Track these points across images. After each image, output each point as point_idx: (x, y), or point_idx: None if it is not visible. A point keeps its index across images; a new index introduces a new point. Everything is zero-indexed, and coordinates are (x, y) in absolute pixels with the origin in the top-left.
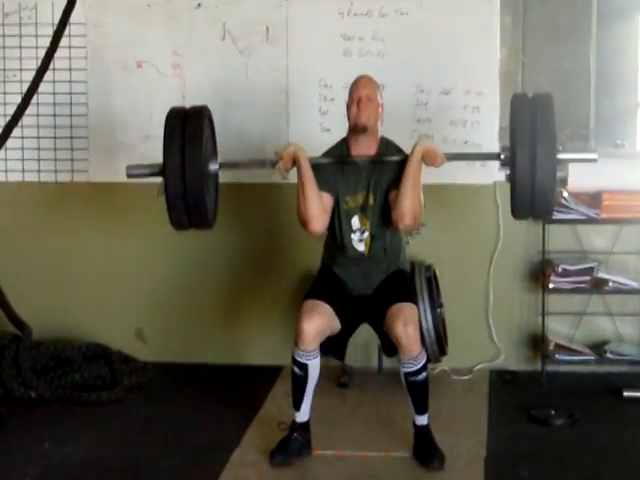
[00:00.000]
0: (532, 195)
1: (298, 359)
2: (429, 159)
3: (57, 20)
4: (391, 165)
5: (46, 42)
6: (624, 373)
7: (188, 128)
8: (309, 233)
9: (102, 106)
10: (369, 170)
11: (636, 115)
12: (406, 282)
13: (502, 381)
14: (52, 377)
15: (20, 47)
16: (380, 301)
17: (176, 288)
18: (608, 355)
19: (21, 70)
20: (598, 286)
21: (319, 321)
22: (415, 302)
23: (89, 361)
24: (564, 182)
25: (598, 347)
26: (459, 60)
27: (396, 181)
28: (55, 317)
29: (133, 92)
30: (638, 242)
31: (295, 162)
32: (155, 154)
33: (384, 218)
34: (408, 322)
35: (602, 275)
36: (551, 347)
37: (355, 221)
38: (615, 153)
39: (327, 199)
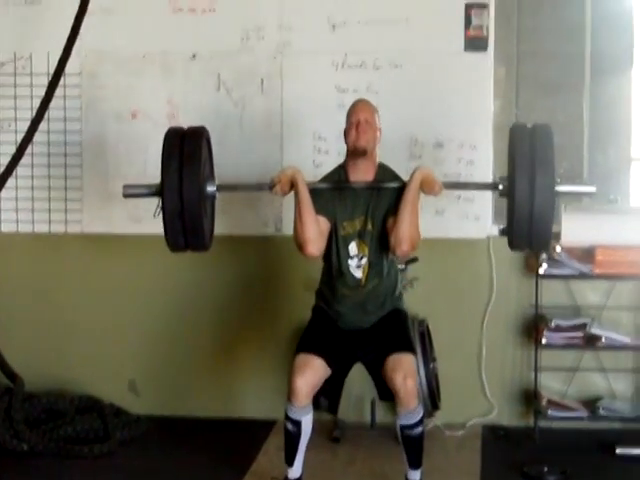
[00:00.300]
0: (530, 226)
1: (291, 415)
2: (427, 186)
3: (52, 70)
4: (389, 191)
5: (41, 92)
6: (617, 430)
7: (186, 148)
8: (305, 256)
9: (96, 156)
10: (367, 196)
11: (629, 170)
12: (404, 324)
13: (495, 437)
14: (44, 430)
15: (15, 97)
16: (378, 344)
17: (169, 340)
18: (601, 411)
19: (16, 120)
20: (591, 342)
21: (311, 377)
22: (414, 349)
23: (82, 414)
24: (557, 237)
25: (591, 403)
26: (453, 113)
27: (394, 207)
28: (48, 369)
29: (128, 142)
30: (631, 298)
31: (293, 185)
32: (149, 205)
33: (382, 245)
34: (408, 375)
35: (595, 331)
36: (544, 403)
37: (353, 247)
38: (608, 208)
39: (324, 223)
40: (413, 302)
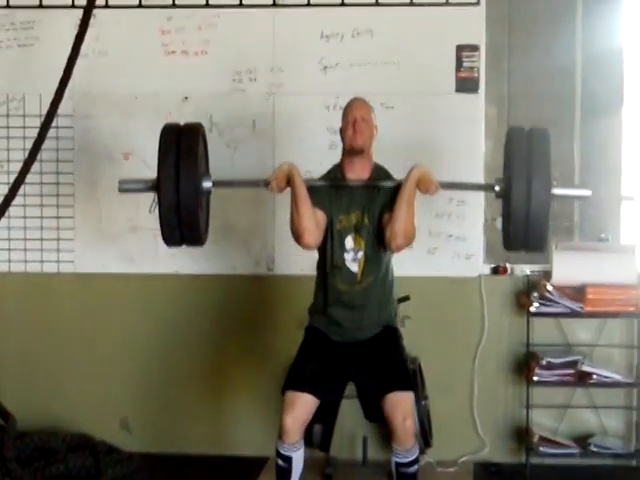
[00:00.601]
0: (526, 227)
1: (282, 452)
2: (424, 185)
3: (45, 111)
4: (385, 189)
5: (34, 133)
6: (608, 466)
7: (183, 143)
8: (302, 247)
9: (89, 197)
10: (363, 192)
11: (620, 208)
12: (401, 350)
13: (487, 473)
14: (37, 468)
15: (7, 138)
16: (375, 372)
17: (161, 378)
18: (592, 448)
19: (8, 161)
20: (582, 379)
21: (301, 413)
22: (412, 384)
23: (74, 451)
24: (548, 275)
25: (582, 440)
26: (444, 153)
27: (390, 204)
28: (40, 407)
29: None
30: (622, 336)
31: (289, 180)
32: (142, 246)
33: (379, 241)
34: (407, 416)
35: (586, 368)
36: (535, 440)
37: (349, 241)
38: (599, 247)
39: (320, 215)
40: (405, 340)
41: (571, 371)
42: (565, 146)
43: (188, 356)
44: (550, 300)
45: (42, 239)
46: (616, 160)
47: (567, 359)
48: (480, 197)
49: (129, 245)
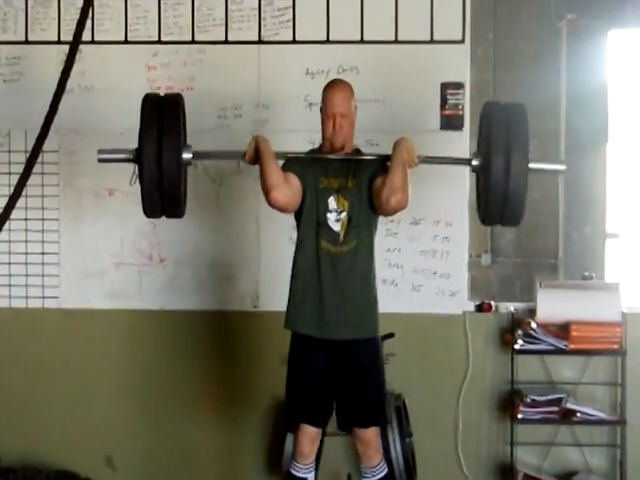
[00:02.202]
0: (504, 201)
1: (298, 475)
2: (409, 155)
3: (30, 147)
4: (371, 162)
5: (19, 169)
6: None
7: (165, 115)
8: (272, 204)
9: (74, 233)
10: (346, 164)
11: (604, 246)
12: (381, 375)
13: None
14: None
15: None
16: (352, 402)
17: (146, 415)
18: None
19: None
20: (566, 417)
21: (314, 438)
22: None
23: None
24: (532, 313)
25: (566, 478)
26: (429, 190)
27: (380, 172)
28: (24, 443)
29: (105, 219)
30: (606, 373)
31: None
32: (126, 283)
33: (365, 205)
34: (376, 452)
35: (570, 406)
36: (520, 477)
37: (331, 201)
38: (583, 285)
39: (293, 177)
40: (389, 377)
41: (555, 409)
42: (550, 182)
43: (173, 393)
44: (534, 338)
45: (27, 275)
46: (600, 197)
47: (551, 397)
48: (465, 234)
49: (114, 281)
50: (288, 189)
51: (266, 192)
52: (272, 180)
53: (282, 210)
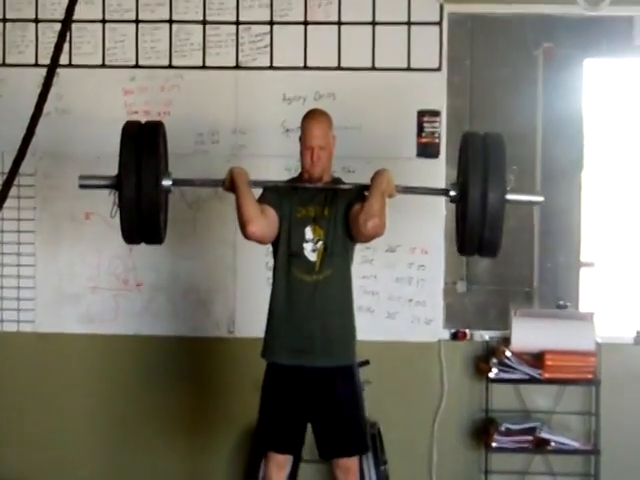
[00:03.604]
0: (482, 232)
1: None
2: (388, 186)
3: (6, 169)
4: (348, 191)
5: None
6: None
7: (144, 141)
8: (248, 236)
9: (50, 256)
10: (324, 193)
11: (578, 275)
12: (359, 403)
13: None
14: None
15: None
16: (330, 431)
17: (120, 440)
18: None
19: None
20: (540, 446)
21: (283, 466)
22: (366, 444)
23: None
24: (507, 342)
25: None
26: (405, 217)
27: (357, 200)
28: None
29: (81, 243)
30: (580, 402)
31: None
32: (102, 307)
33: (340, 233)
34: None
35: (545, 435)
36: None
37: (308, 231)
38: (558, 314)
39: (269, 210)
40: (365, 405)
41: (529, 438)
42: (525, 210)
43: (147, 418)
44: (509, 366)
45: (2, 298)
46: (575, 226)
47: (525, 425)
48: (440, 261)
49: (89, 305)
50: (264, 222)
51: (242, 225)
52: (248, 213)
53: (259, 242)
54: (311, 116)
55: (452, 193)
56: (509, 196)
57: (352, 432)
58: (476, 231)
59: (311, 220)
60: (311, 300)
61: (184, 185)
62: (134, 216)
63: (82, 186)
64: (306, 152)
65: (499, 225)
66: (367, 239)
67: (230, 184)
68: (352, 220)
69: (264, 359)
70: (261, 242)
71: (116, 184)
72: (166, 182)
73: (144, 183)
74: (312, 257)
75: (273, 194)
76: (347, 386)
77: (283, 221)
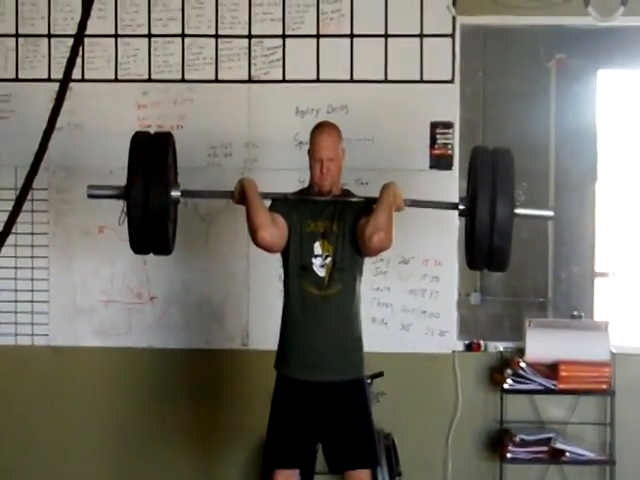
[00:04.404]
0: (490, 246)
1: None
2: (396, 200)
3: (20, 184)
4: (356, 205)
5: (8, 206)
6: None
7: (153, 151)
8: (258, 243)
9: (63, 270)
10: (332, 207)
11: (593, 285)
12: (368, 416)
13: None
14: None
15: None
16: (340, 444)
17: (135, 453)
18: None
19: None
20: (555, 456)
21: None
22: (376, 457)
23: None
24: (522, 352)
25: None
26: (418, 229)
27: (365, 213)
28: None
29: (94, 257)
30: (595, 413)
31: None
32: (115, 320)
33: (348, 248)
34: None
35: (560, 446)
36: None
37: (317, 246)
38: (572, 324)
39: (279, 218)
40: (379, 416)
41: (544, 448)
42: (539, 223)
43: (161, 431)
44: (523, 377)
45: (16, 312)
46: (589, 236)
47: (540, 436)
48: (454, 273)
49: (103, 319)
50: (275, 229)
51: (253, 231)
52: (258, 220)
53: (268, 250)
54: (320, 128)
55: (461, 207)
56: (518, 210)
57: (363, 445)
58: (485, 245)
59: (320, 235)
60: (320, 314)
61: (193, 197)
62: (142, 226)
63: (91, 196)
64: (315, 164)
65: (508, 239)
66: (373, 253)
67: (240, 196)
68: (359, 233)
69: (276, 370)
70: (270, 250)
71: (124, 194)
72: (175, 193)
73: (152, 193)
74: (321, 273)
75: (283, 205)
76: (355, 399)
77: (293, 232)
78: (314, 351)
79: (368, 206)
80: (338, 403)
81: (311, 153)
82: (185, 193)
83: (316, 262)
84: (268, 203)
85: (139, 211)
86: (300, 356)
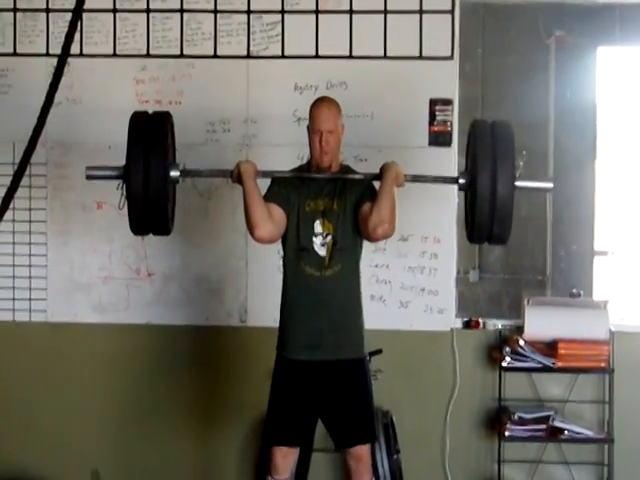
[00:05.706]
0: (491, 219)
1: None
2: (397, 179)
3: (17, 159)
4: (357, 183)
5: (6, 181)
6: None
7: (152, 132)
8: (256, 239)
9: (62, 246)
10: (332, 184)
11: (592, 263)
12: (369, 393)
13: None
14: None
15: None
16: (340, 422)
17: (133, 429)
18: None
19: None
20: (554, 435)
21: (290, 463)
22: (374, 432)
23: None
24: (520, 330)
25: None
26: (417, 206)
27: (367, 196)
28: (9, 458)
29: (93, 233)
30: (593, 391)
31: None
32: (114, 296)
33: (351, 228)
34: (366, 470)
35: (558, 424)
36: None
37: (317, 225)
38: (571, 302)
39: (275, 209)
40: (377, 394)
41: (543, 426)
42: (538, 199)
43: (160, 407)
44: (522, 355)
45: (14, 288)
46: (588, 215)
47: (539, 414)
48: (453, 250)
49: (101, 295)
50: (272, 225)
51: (250, 229)
52: (255, 219)
53: (268, 243)
54: (320, 102)
55: (461, 181)
56: (518, 183)
57: (362, 422)
58: (485, 218)
59: (320, 214)
60: (320, 295)
61: (192, 176)
62: (142, 207)
63: (89, 177)
64: (314, 137)
65: (509, 212)
66: (375, 241)
67: (237, 178)
68: (361, 220)
69: (277, 351)
70: (270, 243)
71: (123, 175)
72: (174, 173)
73: (152, 174)
74: (322, 252)
75: (281, 188)
76: (355, 378)
77: (291, 215)
78: (314, 331)
79: (369, 186)
80: (338, 382)
81: (310, 126)
82: (184, 173)
83: (316, 241)
84: (267, 182)
85: (138, 193)
86: (300, 336)
